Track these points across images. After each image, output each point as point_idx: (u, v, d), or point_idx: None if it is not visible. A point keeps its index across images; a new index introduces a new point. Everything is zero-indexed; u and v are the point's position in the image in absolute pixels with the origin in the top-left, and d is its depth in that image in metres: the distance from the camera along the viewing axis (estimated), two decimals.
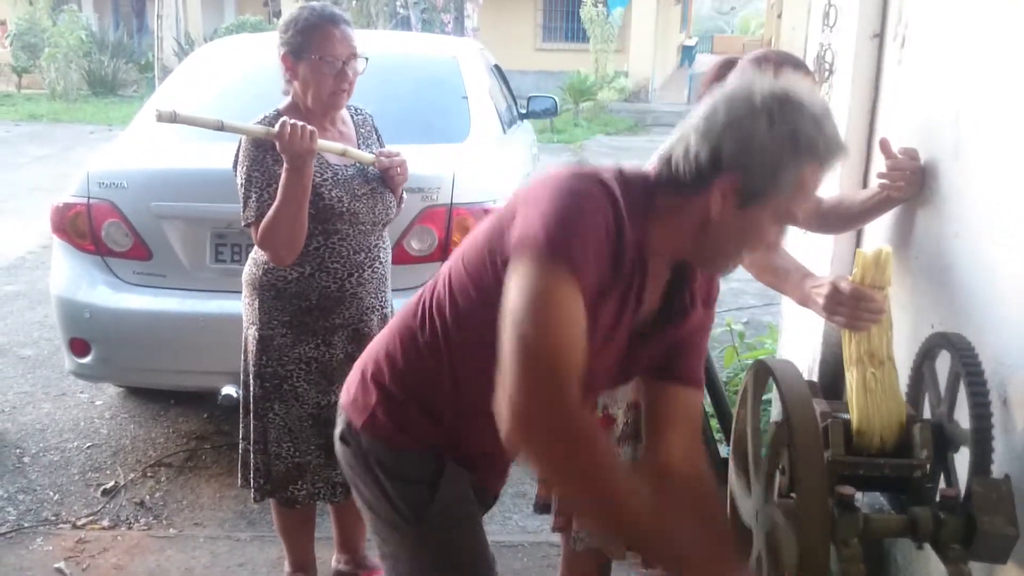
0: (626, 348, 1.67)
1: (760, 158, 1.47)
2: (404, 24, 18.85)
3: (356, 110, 2.89)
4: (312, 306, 2.71)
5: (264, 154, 2.58)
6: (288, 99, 2.71)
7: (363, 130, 2.86)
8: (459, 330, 1.67)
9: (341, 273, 2.71)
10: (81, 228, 3.80)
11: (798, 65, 2.30)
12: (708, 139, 1.49)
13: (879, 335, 1.99)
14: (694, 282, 1.69)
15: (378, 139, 2.92)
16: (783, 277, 2.14)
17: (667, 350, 1.73)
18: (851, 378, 1.99)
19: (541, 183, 1.54)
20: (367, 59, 2.71)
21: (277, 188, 2.55)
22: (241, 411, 2.90)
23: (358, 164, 2.73)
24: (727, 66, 2.42)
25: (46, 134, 14.75)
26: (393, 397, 1.77)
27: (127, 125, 4.49)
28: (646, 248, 1.58)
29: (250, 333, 2.80)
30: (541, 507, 2.69)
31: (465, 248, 1.68)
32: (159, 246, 3.75)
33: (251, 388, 2.81)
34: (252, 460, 2.87)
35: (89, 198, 3.76)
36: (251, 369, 2.79)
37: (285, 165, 2.49)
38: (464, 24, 18.96)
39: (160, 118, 2.51)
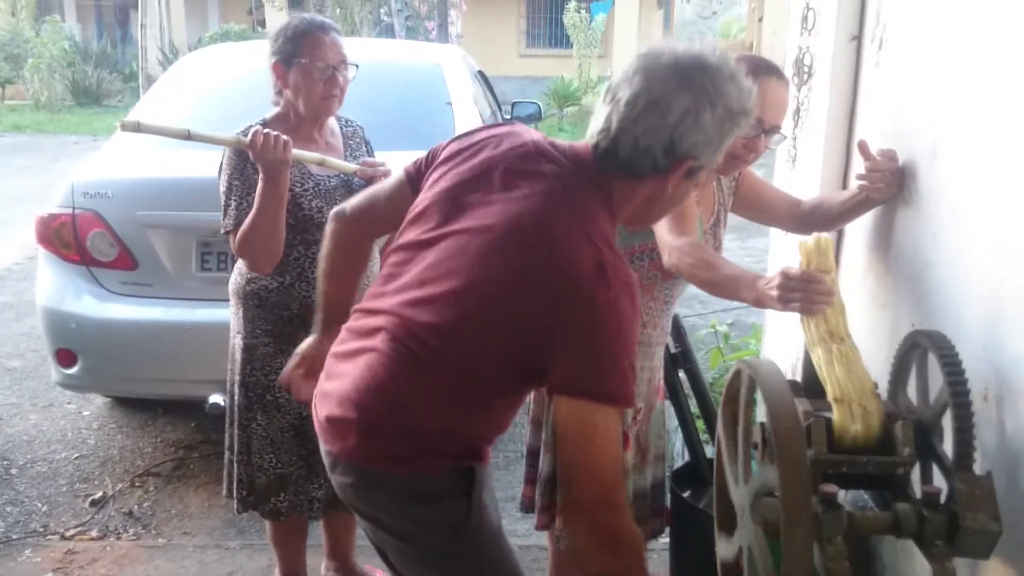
0: None
1: (710, 140, 1.66)
2: (388, 31, 18.86)
3: (346, 121, 2.90)
4: (293, 315, 2.71)
5: (245, 163, 2.59)
6: (277, 109, 2.72)
7: (352, 141, 2.86)
8: (459, 355, 1.72)
9: None
10: (66, 238, 3.79)
11: (771, 69, 2.32)
12: (659, 133, 1.63)
13: (834, 316, 2.07)
14: None
15: (368, 151, 2.92)
16: (735, 286, 2.15)
17: None
18: (817, 356, 2.04)
19: (588, 283, 1.64)
20: (357, 67, 2.73)
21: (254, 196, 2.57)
22: (226, 420, 2.90)
23: (342, 175, 2.73)
24: None
25: (30, 145, 14.70)
26: (411, 432, 1.74)
27: (112, 135, 4.48)
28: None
29: (236, 342, 2.80)
30: (526, 506, 2.70)
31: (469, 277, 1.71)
32: (145, 255, 3.76)
33: (235, 397, 2.81)
34: (236, 471, 2.86)
35: (74, 208, 3.76)
36: (236, 378, 2.79)
37: (260, 174, 2.50)
38: (448, 31, 18.95)
39: (124, 128, 2.51)
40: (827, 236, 2.09)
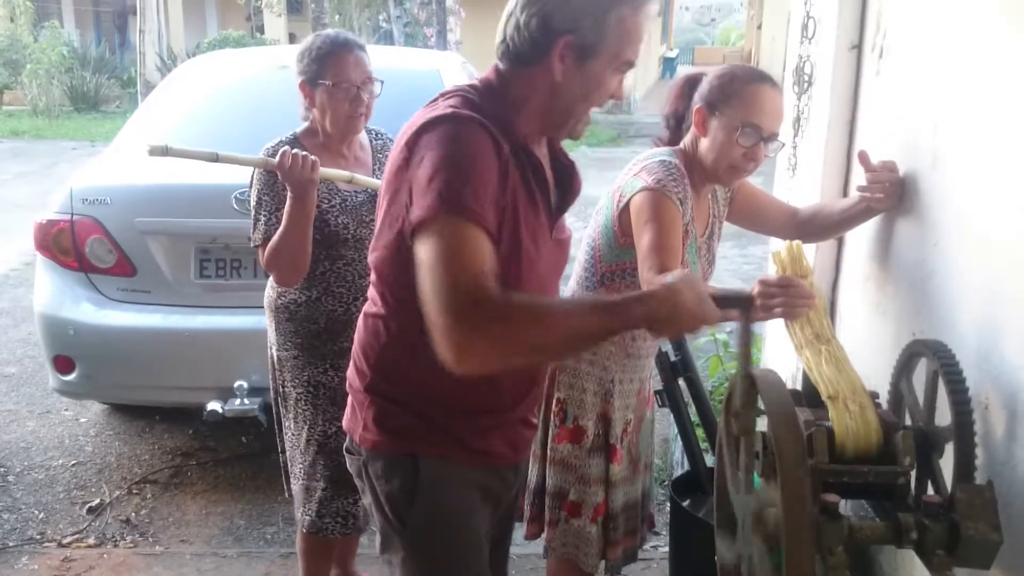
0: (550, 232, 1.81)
1: (584, 11, 1.63)
2: (387, 38, 18.88)
3: (376, 134, 2.90)
4: (321, 329, 2.73)
5: (275, 179, 2.60)
6: (306, 124, 2.74)
7: (381, 155, 2.85)
8: (402, 299, 1.71)
9: (347, 297, 2.72)
10: (64, 245, 3.79)
11: (764, 77, 2.31)
12: (534, 8, 1.63)
13: (818, 319, 2.11)
14: (563, 153, 1.90)
15: None
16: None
17: None
18: (807, 358, 2.08)
19: (422, 137, 1.61)
20: (383, 82, 2.75)
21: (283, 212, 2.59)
22: (276, 426, 2.95)
23: (369, 191, 2.73)
24: (692, 82, 2.45)
25: (28, 151, 14.68)
26: (376, 398, 1.81)
27: (110, 141, 4.48)
28: (522, 139, 1.71)
29: (272, 352, 2.85)
30: (517, 516, 2.70)
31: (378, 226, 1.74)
32: (143, 262, 3.75)
33: (280, 406, 2.88)
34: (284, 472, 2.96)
35: (72, 214, 3.76)
36: (280, 387, 2.84)
37: (288, 192, 2.52)
38: (447, 38, 18.98)
39: (152, 152, 2.52)
40: (798, 243, 2.19)
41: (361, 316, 1.87)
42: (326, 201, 2.65)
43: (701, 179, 2.37)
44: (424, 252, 1.52)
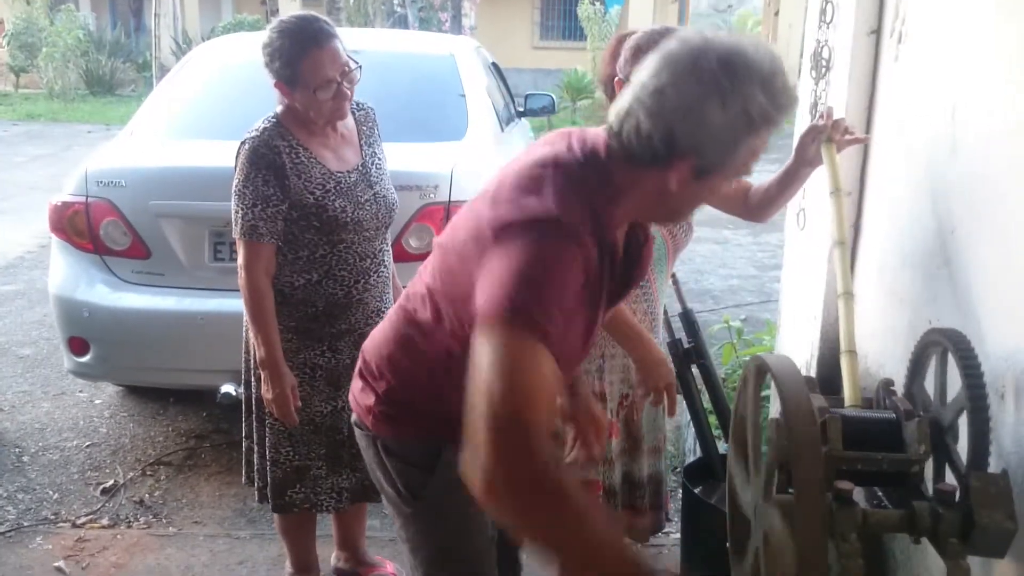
0: (606, 309, 1.75)
1: (715, 140, 1.48)
2: (401, 22, 18.87)
3: (358, 105, 2.81)
4: (319, 312, 2.70)
5: (256, 172, 2.55)
6: (284, 105, 2.66)
7: (365, 127, 2.81)
8: (438, 326, 1.72)
9: (348, 280, 2.70)
10: (79, 227, 3.80)
11: None
12: (659, 121, 1.48)
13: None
14: (643, 225, 1.77)
15: (378, 133, 2.88)
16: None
17: None
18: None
19: (513, 232, 1.50)
20: (360, 65, 2.64)
21: (264, 208, 2.55)
22: (243, 410, 2.90)
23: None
24: (623, 42, 2.40)
25: (44, 133, 14.75)
26: (391, 398, 1.82)
27: (125, 124, 4.48)
28: (611, 230, 1.61)
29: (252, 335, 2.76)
30: None
31: (447, 247, 1.70)
32: (158, 245, 3.76)
33: (252, 389, 2.80)
34: (255, 461, 2.87)
35: (88, 197, 3.77)
36: (254, 371, 2.77)
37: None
38: (461, 22, 18.96)
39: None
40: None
41: (395, 316, 1.85)
42: (320, 187, 2.59)
43: None
44: (484, 351, 1.42)
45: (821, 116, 2.31)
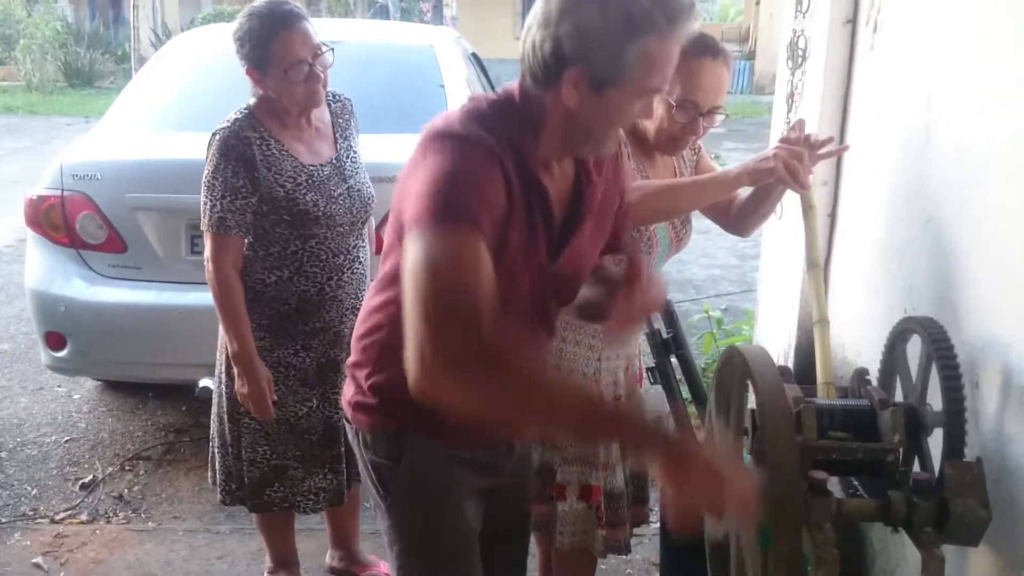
0: (550, 260, 1.69)
1: (598, 45, 1.46)
2: (383, 13, 18.79)
3: (334, 97, 2.77)
4: (291, 310, 2.66)
5: (227, 164, 2.51)
6: (258, 97, 2.61)
7: (341, 119, 2.77)
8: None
9: (320, 277, 2.65)
10: (55, 220, 3.76)
11: (707, 49, 2.17)
12: (547, 32, 1.48)
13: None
14: (587, 164, 1.71)
15: (355, 126, 2.85)
16: (707, 189, 2.24)
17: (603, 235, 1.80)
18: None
19: (423, 153, 1.53)
20: (333, 49, 2.61)
21: (232, 200, 2.51)
22: (213, 411, 2.86)
23: (333, 162, 2.67)
24: None
25: (22, 126, 14.64)
26: (368, 382, 1.80)
27: (103, 116, 4.45)
28: (533, 164, 1.59)
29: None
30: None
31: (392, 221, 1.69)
32: (134, 238, 3.73)
33: (224, 388, 2.76)
34: (224, 463, 2.83)
35: (63, 190, 3.73)
36: (225, 370, 2.73)
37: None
38: (443, 13, 18.91)
39: None
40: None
41: (367, 296, 1.84)
42: (291, 180, 2.55)
43: (645, 148, 2.33)
44: (412, 253, 1.42)
45: (792, 128, 2.28)
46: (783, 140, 2.20)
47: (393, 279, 1.63)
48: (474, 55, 5.98)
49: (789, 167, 2.11)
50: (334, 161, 2.67)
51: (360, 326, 1.85)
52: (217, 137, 2.55)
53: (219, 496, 2.88)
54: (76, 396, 4.68)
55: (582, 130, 1.58)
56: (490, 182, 1.50)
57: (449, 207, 1.44)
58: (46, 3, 20.42)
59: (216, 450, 2.86)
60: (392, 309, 1.65)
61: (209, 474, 2.94)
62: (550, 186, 1.64)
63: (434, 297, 1.38)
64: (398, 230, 1.59)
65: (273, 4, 2.53)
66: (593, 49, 1.46)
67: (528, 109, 1.58)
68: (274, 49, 2.48)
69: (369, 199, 2.75)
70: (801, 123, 2.28)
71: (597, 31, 1.45)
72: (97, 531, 3.47)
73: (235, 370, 2.62)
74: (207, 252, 2.58)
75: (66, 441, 4.20)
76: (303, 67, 2.51)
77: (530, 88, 1.57)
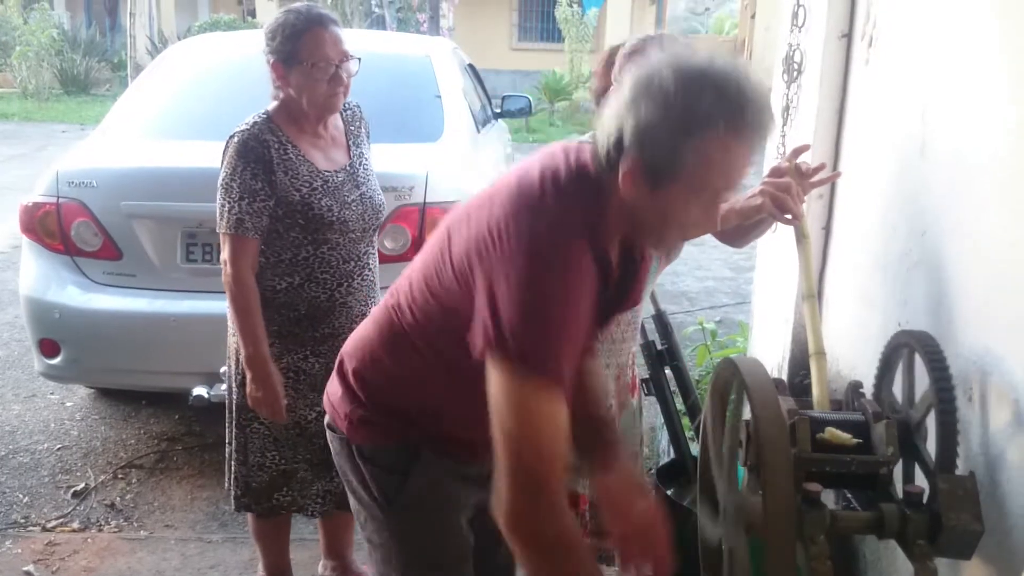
0: (598, 326, 1.70)
1: (652, 139, 1.42)
2: (379, 23, 18.81)
3: (346, 105, 2.79)
4: (301, 316, 2.67)
5: (245, 166, 2.52)
6: (277, 102, 2.64)
7: (352, 127, 2.79)
8: (427, 332, 1.69)
9: (331, 283, 2.67)
10: (50, 228, 3.76)
11: None
12: (616, 121, 1.46)
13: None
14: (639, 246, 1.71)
15: (367, 132, 2.87)
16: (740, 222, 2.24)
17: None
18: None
19: (506, 221, 1.51)
20: (359, 59, 2.65)
21: (250, 202, 2.52)
22: (226, 415, 2.85)
23: (348, 168, 2.68)
24: (616, 53, 2.39)
25: (17, 133, 14.60)
26: (373, 401, 1.80)
27: (98, 123, 4.44)
28: (606, 244, 1.58)
29: (238, 340, 2.68)
30: None
31: (425, 259, 1.69)
32: (129, 246, 3.73)
33: (235, 395, 2.76)
34: (233, 469, 2.83)
35: (59, 197, 3.73)
36: (236, 377, 2.73)
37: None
38: (439, 23, 18.93)
39: None
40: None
41: (380, 316, 1.81)
42: (307, 185, 2.57)
43: None
44: (498, 389, 1.48)
45: (786, 159, 2.28)
46: (773, 171, 2.19)
47: (439, 332, 1.67)
48: (471, 66, 5.99)
49: (777, 201, 2.12)
50: (348, 168, 2.69)
51: (374, 346, 1.79)
52: (235, 139, 2.57)
53: (232, 503, 2.89)
54: (69, 403, 4.67)
55: (640, 222, 1.56)
56: (579, 280, 1.49)
57: (537, 351, 1.46)
58: (42, 10, 20.37)
59: (228, 454, 2.88)
60: (435, 364, 1.70)
61: (226, 478, 2.93)
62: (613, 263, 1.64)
63: (522, 455, 1.48)
64: (450, 261, 1.60)
65: (310, 6, 2.63)
66: (649, 141, 1.43)
67: (600, 189, 1.55)
68: (304, 44, 2.53)
69: (380, 206, 2.77)
70: (795, 151, 2.29)
71: (656, 123, 1.42)
72: (89, 539, 3.45)
73: (248, 375, 2.61)
74: (225, 254, 2.58)
75: (58, 449, 4.18)
76: (329, 67, 2.55)
77: (600, 168, 1.54)
